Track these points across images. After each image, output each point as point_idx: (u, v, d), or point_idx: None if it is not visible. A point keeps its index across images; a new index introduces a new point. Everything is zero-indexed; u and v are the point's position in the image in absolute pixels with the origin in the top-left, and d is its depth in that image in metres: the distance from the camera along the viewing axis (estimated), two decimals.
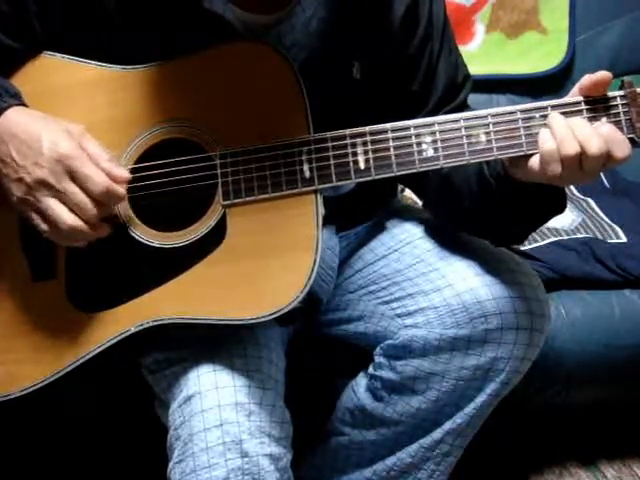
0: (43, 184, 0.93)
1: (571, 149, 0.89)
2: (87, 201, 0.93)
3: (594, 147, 0.89)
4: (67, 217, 0.93)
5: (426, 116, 0.97)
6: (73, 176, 0.93)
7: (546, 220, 1.08)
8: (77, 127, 0.96)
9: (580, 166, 0.90)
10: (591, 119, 0.92)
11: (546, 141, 0.91)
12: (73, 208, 0.93)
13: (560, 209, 1.04)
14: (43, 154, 0.93)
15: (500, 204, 1.02)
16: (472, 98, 1.18)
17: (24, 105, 0.99)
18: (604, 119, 0.92)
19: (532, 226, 1.09)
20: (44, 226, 0.95)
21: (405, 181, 1.24)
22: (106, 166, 0.94)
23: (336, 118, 0.98)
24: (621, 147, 0.91)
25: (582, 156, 0.90)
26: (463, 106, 1.14)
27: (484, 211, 1.06)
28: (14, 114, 0.96)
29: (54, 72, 1.04)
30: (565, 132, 0.90)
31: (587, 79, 0.92)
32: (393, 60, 1.09)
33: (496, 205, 1.03)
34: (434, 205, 1.20)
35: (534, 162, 0.93)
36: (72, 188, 0.93)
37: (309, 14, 1.04)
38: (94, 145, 0.96)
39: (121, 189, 0.95)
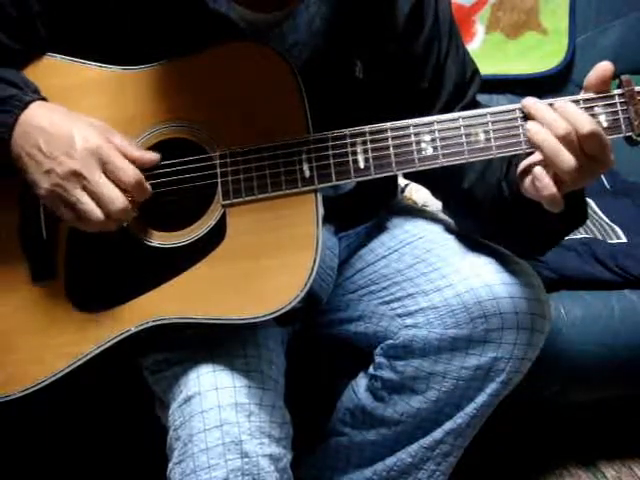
0: (75, 175, 0.92)
1: (562, 128, 0.89)
2: (117, 192, 0.93)
3: (587, 124, 0.89)
4: (97, 211, 0.92)
5: (438, 114, 0.97)
6: (105, 167, 0.93)
7: (567, 233, 1.08)
8: (99, 122, 0.97)
9: (582, 149, 0.89)
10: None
11: (536, 133, 0.91)
12: (100, 200, 0.92)
13: (580, 222, 1.04)
14: (75, 146, 0.93)
15: (517, 217, 1.03)
16: None
17: (45, 100, 0.99)
18: (602, 117, 0.92)
19: (553, 239, 1.09)
20: (71, 216, 0.95)
21: (425, 181, 1.24)
22: (136, 155, 0.95)
23: (339, 117, 0.98)
24: (585, 124, 0.89)
25: (579, 136, 0.89)
26: (473, 103, 1.14)
27: (505, 225, 1.07)
28: (38, 108, 0.96)
29: (55, 73, 1.04)
30: (550, 116, 0.90)
31: (594, 74, 0.92)
32: (397, 59, 1.09)
33: (514, 218, 1.03)
34: (457, 216, 1.20)
35: (528, 184, 0.94)
36: (102, 179, 0.92)
37: (312, 13, 1.04)
38: (120, 138, 0.96)
39: (148, 186, 0.96)
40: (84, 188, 0.92)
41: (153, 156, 0.97)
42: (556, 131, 0.89)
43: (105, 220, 0.93)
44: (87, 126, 0.95)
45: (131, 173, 0.93)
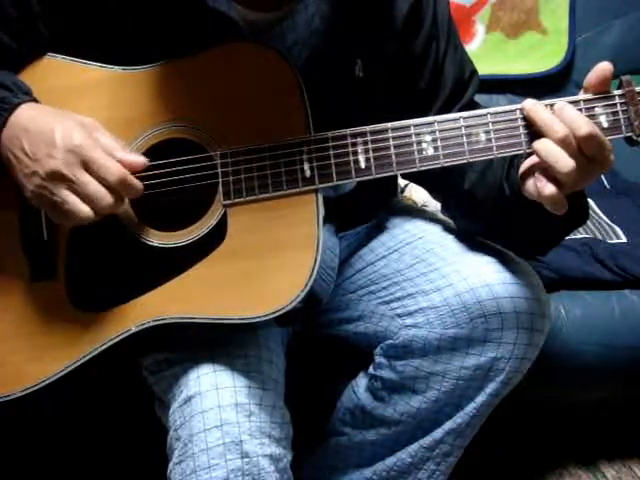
0: (56, 175, 0.92)
1: (560, 131, 0.89)
2: (102, 190, 0.92)
3: (583, 126, 0.89)
4: (82, 208, 0.92)
5: (436, 114, 0.98)
6: (87, 166, 0.92)
7: (567, 233, 1.08)
8: (89, 119, 0.96)
9: (581, 151, 0.90)
10: (589, 117, 0.92)
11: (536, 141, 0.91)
12: (86, 199, 0.92)
13: (581, 220, 1.04)
14: (56, 145, 0.92)
15: (519, 217, 1.03)
16: None
17: (35, 101, 0.99)
18: (602, 118, 0.92)
19: (554, 239, 1.09)
20: (60, 219, 0.95)
21: (424, 182, 1.24)
22: (120, 155, 0.94)
23: (339, 116, 0.98)
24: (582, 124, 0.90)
25: (577, 138, 0.89)
26: (471, 103, 1.14)
27: (506, 225, 1.07)
28: (27, 109, 0.96)
29: (56, 73, 1.04)
30: (548, 119, 0.91)
31: (593, 74, 0.92)
32: (396, 58, 1.10)
33: (515, 218, 1.03)
34: (457, 217, 1.20)
35: (530, 186, 0.94)
36: (86, 178, 0.92)
37: (312, 12, 1.04)
38: (107, 136, 0.95)
39: (138, 181, 0.95)
40: (68, 188, 0.92)
41: (138, 159, 0.95)
42: (554, 134, 0.89)
43: (93, 216, 0.93)
44: (71, 124, 0.94)
45: (113, 171, 0.92)
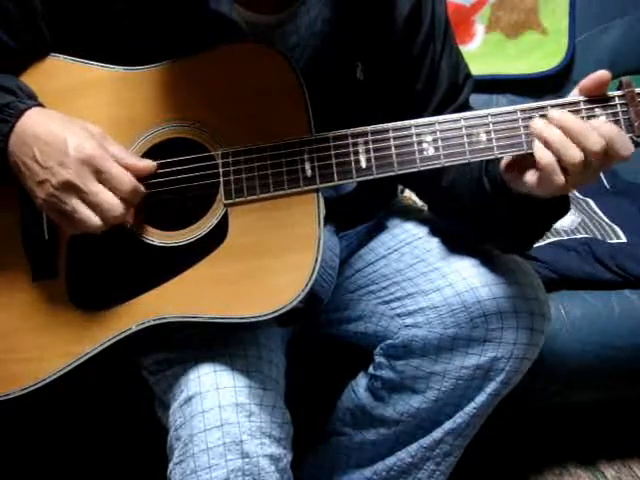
0: (69, 185, 0.92)
1: (575, 156, 0.88)
2: (114, 200, 0.93)
3: (596, 145, 0.87)
4: (93, 218, 0.93)
5: (429, 116, 0.98)
6: (100, 177, 0.93)
7: (550, 225, 1.07)
8: (97, 129, 0.97)
9: (585, 168, 0.89)
10: (589, 118, 0.92)
11: (543, 157, 0.89)
12: (96, 209, 0.92)
13: (563, 212, 1.04)
14: (69, 155, 0.92)
15: (500, 211, 1.02)
16: (472, 98, 1.18)
17: (41, 106, 0.99)
18: (603, 118, 0.92)
19: (537, 232, 1.08)
20: (69, 227, 0.95)
21: (407, 182, 1.24)
22: (131, 163, 0.95)
23: (339, 118, 0.98)
24: (625, 145, 0.89)
25: (586, 159, 0.88)
26: (465, 106, 1.14)
27: (486, 218, 1.06)
28: (34, 115, 0.96)
29: (58, 73, 1.04)
30: (560, 139, 0.89)
31: (589, 80, 0.91)
32: (396, 61, 1.10)
33: (496, 213, 1.03)
34: (438, 212, 1.20)
35: (531, 179, 0.93)
36: (99, 188, 0.93)
37: (314, 14, 1.04)
38: (115, 145, 0.96)
39: (143, 189, 0.96)
40: (79, 198, 0.93)
41: (149, 164, 0.97)
42: (569, 159, 0.88)
43: (103, 225, 0.94)
44: (82, 134, 0.94)
45: (126, 181, 0.93)
